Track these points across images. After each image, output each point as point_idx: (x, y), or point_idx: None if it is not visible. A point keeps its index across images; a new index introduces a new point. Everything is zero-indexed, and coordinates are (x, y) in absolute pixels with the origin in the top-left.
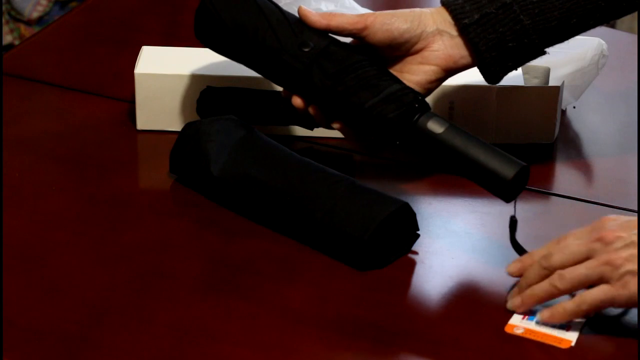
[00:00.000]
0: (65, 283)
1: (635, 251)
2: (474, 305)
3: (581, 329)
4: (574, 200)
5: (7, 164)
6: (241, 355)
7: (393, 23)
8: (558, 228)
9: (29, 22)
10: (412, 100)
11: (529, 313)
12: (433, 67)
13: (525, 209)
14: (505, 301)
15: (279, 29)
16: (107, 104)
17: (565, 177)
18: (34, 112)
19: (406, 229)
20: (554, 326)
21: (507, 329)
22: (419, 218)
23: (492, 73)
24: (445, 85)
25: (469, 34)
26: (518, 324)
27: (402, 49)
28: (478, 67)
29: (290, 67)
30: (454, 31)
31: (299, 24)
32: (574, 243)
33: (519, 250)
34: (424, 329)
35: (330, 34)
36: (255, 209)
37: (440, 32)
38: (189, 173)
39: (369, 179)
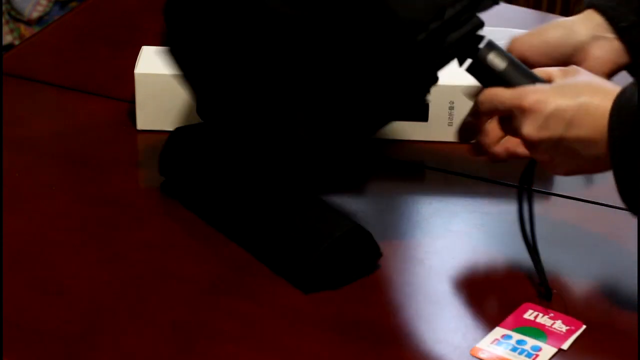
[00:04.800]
0: (65, 283)
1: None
2: (474, 305)
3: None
4: (574, 200)
5: (7, 164)
6: (241, 355)
7: (544, 33)
8: (558, 228)
9: (29, 22)
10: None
11: (499, 340)
12: (601, 76)
13: (525, 209)
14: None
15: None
16: (107, 104)
17: (565, 177)
18: (34, 112)
19: (362, 250)
20: (521, 353)
21: (473, 353)
22: (419, 218)
23: None
24: (445, 85)
25: (629, 37)
26: (484, 348)
27: (557, 60)
28: (628, 67)
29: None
30: (610, 34)
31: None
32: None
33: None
34: (424, 329)
35: None
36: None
37: (596, 38)
38: (175, 178)
39: (369, 178)
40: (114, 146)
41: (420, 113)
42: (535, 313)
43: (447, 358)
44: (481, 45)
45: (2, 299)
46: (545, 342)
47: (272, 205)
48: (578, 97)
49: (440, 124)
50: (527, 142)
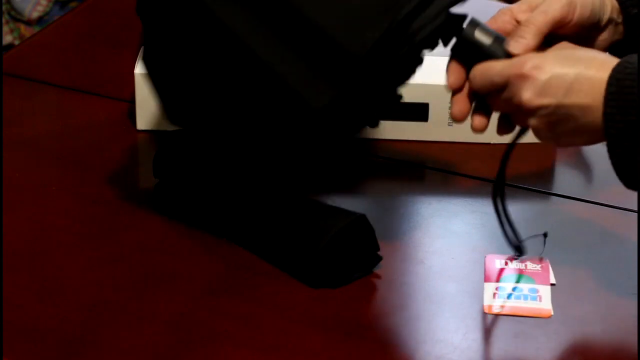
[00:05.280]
0: (65, 283)
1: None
2: (474, 305)
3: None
4: (574, 200)
5: (7, 164)
6: (241, 355)
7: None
8: (558, 228)
9: (29, 22)
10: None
11: (497, 292)
12: (600, 49)
13: (525, 209)
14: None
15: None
16: (107, 104)
17: (565, 177)
18: (34, 112)
19: (363, 244)
20: (525, 299)
21: (488, 311)
22: (419, 218)
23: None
24: (445, 85)
25: (632, 24)
26: (492, 302)
27: (579, 27)
28: (618, 48)
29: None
30: (619, 19)
31: None
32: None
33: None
34: (424, 329)
35: None
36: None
37: (610, 21)
38: (170, 181)
39: (368, 179)
40: (114, 146)
41: (420, 113)
42: (503, 261)
43: (447, 358)
44: (465, 24)
45: (2, 299)
46: (535, 283)
47: (273, 203)
48: (576, 64)
49: (440, 124)
50: (524, 110)
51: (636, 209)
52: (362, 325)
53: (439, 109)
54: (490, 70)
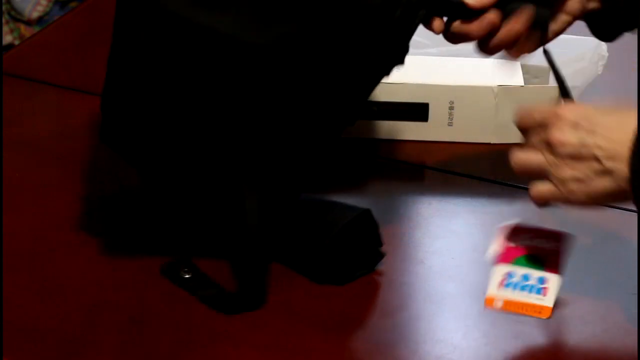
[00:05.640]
0: (65, 283)
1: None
2: (474, 305)
3: (557, 292)
4: None
5: (7, 164)
6: (241, 355)
7: None
8: (558, 228)
9: (29, 22)
10: None
11: (505, 280)
12: (568, 18)
13: (525, 209)
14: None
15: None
16: None
17: None
18: (34, 112)
19: (368, 239)
20: (530, 291)
21: (488, 304)
22: (419, 218)
23: (611, 26)
24: (445, 85)
25: None
26: (495, 294)
27: None
28: (595, 18)
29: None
30: None
31: None
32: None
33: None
34: (424, 329)
35: None
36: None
37: None
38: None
39: (369, 178)
40: None
41: (420, 113)
42: (519, 236)
43: (447, 358)
44: None
45: (2, 299)
46: (544, 270)
47: (279, 201)
48: (612, 114)
49: (440, 124)
50: (550, 148)
51: (636, 209)
52: (362, 325)
53: (439, 109)
54: (533, 108)
